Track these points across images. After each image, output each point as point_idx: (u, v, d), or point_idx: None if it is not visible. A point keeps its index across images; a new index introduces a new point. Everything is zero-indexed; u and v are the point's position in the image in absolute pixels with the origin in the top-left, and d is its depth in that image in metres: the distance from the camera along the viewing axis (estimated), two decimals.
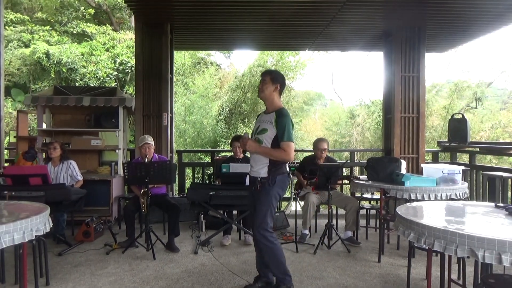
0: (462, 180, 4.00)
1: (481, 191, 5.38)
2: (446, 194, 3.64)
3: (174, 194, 5.88)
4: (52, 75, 12.36)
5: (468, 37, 6.27)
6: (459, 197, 3.68)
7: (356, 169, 7.30)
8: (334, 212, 4.95)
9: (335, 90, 23.36)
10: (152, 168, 4.09)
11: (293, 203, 5.52)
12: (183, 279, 3.36)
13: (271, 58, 14.02)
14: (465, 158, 8.00)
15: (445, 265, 2.77)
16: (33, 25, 13.97)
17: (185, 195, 5.17)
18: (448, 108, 13.51)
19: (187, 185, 6.33)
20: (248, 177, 4.26)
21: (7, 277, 3.29)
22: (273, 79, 3.03)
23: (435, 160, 6.65)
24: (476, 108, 14.46)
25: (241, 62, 33.58)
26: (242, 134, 3.17)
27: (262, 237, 2.92)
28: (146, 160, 4.36)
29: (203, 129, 13.04)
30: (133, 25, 7.16)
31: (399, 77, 5.70)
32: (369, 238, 4.73)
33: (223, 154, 7.76)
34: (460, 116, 5.83)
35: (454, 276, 3.20)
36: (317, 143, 4.80)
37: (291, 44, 7.45)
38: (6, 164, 5.74)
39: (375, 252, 4.09)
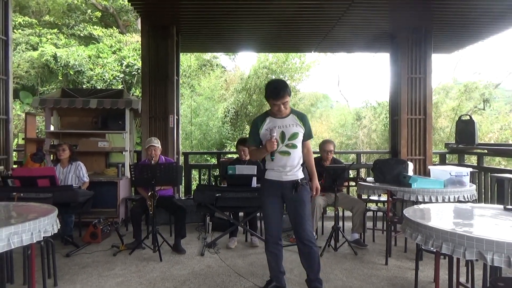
0: (470, 182, 3.97)
1: (489, 193, 5.32)
2: (454, 196, 3.61)
3: (180, 196, 5.89)
4: (59, 78, 12.48)
5: (475, 38, 6.23)
6: (467, 199, 3.66)
7: (363, 171, 7.29)
8: (340, 214, 4.92)
9: (341, 91, 23.30)
10: (158, 170, 4.10)
11: None
12: (189, 281, 3.37)
13: (276, 60, 14.02)
14: (473, 160, 7.95)
15: (453, 268, 2.75)
16: (41, 28, 14.11)
17: (192, 197, 5.18)
18: (456, 110, 13.40)
19: (194, 187, 6.34)
20: (254, 179, 4.32)
21: (16, 278, 3.32)
22: (290, 93, 2.93)
23: (442, 162, 6.60)
24: (484, 109, 14.33)
25: (246, 64, 33.65)
26: (272, 133, 2.87)
27: (313, 236, 3.00)
28: (153, 162, 4.38)
29: (209, 131, 13.07)
30: (140, 28, 7.21)
31: (405, 78, 5.67)
32: (376, 241, 4.71)
33: (229, 155, 7.76)
34: (468, 117, 5.79)
35: (462, 279, 3.17)
36: (323, 145, 4.79)
37: (297, 46, 7.46)
38: (14, 166, 5.80)
39: (382, 254, 4.06)
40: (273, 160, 2.99)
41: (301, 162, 3.01)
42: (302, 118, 3.00)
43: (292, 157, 2.94)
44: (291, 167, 2.96)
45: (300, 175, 2.98)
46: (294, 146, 2.95)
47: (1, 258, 2.90)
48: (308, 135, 3.03)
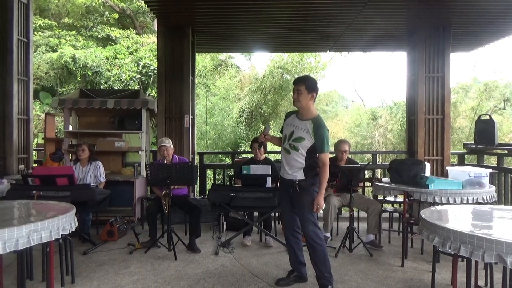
0: (489, 183, 3.88)
1: (509, 195, 5.20)
2: (473, 198, 3.54)
3: (195, 196, 5.93)
4: (78, 79, 12.72)
5: (495, 36, 6.09)
6: (486, 201, 3.58)
7: (379, 172, 7.21)
8: (356, 215, 4.88)
9: (356, 91, 23.09)
10: (174, 170, 4.14)
11: None
12: (204, 280, 3.39)
13: (291, 60, 13.98)
14: (492, 160, 7.77)
15: (471, 271, 2.69)
16: (60, 30, 14.41)
17: (206, 196, 5.22)
18: (476, 109, 13.12)
19: (208, 186, 6.38)
20: (268, 179, 4.32)
21: (35, 274, 3.40)
22: (308, 87, 3.02)
23: (461, 162, 6.47)
24: (504, 109, 13.99)
25: (261, 64, 33.64)
26: (264, 128, 3.35)
27: (314, 234, 3.04)
28: (166, 162, 4.42)
29: (224, 131, 13.12)
30: (156, 29, 7.29)
31: (423, 78, 5.57)
32: (392, 242, 4.64)
33: (244, 155, 7.78)
34: (487, 117, 5.66)
35: (481, 283, 3.10)
36: (338, 144, 4.75)
37: (312, 46, 7.43)
38: (34, 165, 5.94)
39: (398, 256, 4.01)
40: (259, 149, 3.88)
41: (302, 166, 3.04)
42: (316, 128, 2.97)
43: (291, 157, 3.08)
44: (289, 166, 3.10)
45: (299, 176, 3.05)
46: (295, 148, 3.05)
47: (21, 255, 2.97)
48: (319, 148, 2.98)
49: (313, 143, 2.99)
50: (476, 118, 6.10)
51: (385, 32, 5.91)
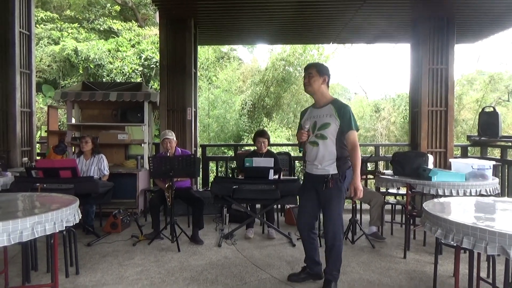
0: (492, 175, 3.87)
1: None
2: (476, 190, 3.53)
3: (198, 188, 5.95)
4: (80, 71, 12.72)
5: (499, 27, 6.04)
6: (489, 193, 3.57)
7: (381, 164, 7.20)
8: (358, 207, 4.89)
9: (359, 83, 22.97)
10: (176, 162, 4.15)
11: None
12: (207, 271, 3.41)
13: (293, 52, 13.89)
14: (496, 152, 7.74)
15: (473, 263, 2.69)
16: (62, 22, 14.38)
17: (209, 188, 5.23)
18: (480, 101, 13.05)
19: (211, 178, 6.39)
20: (271, 172, 4.32)
21: (40, 266, 3.43)
22: (319, 71, 2.96)
23: (464, 155, 6.45)
24: (508, 101, 13.91)
25: (264, 56, 33.43)
26: (303, 124, 3.02)
27: (335, 236, 2.94)
28: (169, 154, 4.43)
29: (227, 123, 13.12)
30: (158, 21, 7.25)
31: (426, 70, 5.53)
32: (395, 234, 4.65)
33: (246, 148, 7.78)
34: (491, 109, 5.63)
35: (483, 274, 3.11)
36: None
37: (315, 37, 7.38)
38: (38, 158, 5.97)
39: (401, 248, 4.02)
40: (301, 151, 3.18)
41: (334, 157, 2.88)
42: (340, 109, 2.87)
43: (321, 149, 2.91)
44: (321, 159, 2.92)
45: (331, 170, 2.89)
46: (323, 137, 2.89)
47: (26, 247, 3.00)
48: (346, 126, 2.84)
49: (340, 126, 2.85)
50: (480, 110, 6.06)
51: (388, 23, 5.86)
